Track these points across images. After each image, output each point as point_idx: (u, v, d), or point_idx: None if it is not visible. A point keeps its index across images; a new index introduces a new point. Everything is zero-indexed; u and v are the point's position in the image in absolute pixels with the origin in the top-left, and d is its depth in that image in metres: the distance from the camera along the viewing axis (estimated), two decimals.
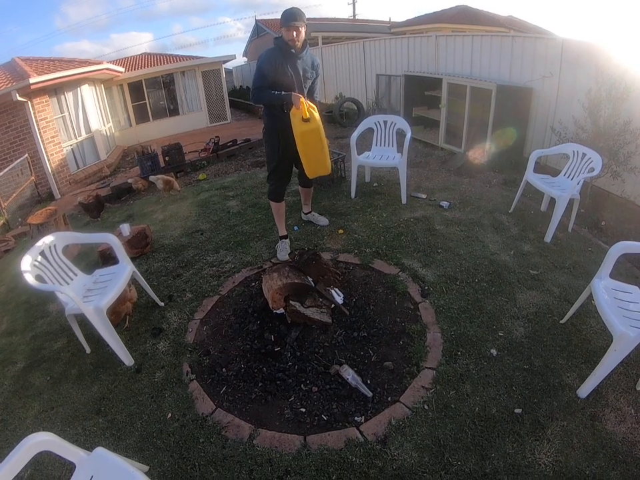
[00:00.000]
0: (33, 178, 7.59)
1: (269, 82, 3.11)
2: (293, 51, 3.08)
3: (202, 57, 13.18)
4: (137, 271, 3.00)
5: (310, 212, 4.18)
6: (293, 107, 2.98)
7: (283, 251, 3.57)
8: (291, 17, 2.98)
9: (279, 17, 3.10)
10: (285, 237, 3.68)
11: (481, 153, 5.38)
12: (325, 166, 3.22)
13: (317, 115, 3.00)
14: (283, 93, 3.04)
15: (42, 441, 1.53)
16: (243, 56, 25.35)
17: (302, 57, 3.16)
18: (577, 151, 3.73)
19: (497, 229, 3.83)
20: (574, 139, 4.32)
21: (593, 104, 4.27)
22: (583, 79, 4.57)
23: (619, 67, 4.08)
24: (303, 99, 2.96)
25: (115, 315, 2.76)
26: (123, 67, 11.93)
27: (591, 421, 2.01)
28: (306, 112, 2.91)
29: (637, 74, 3.94)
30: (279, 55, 3.11)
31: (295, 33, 3.01)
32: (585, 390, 2.12)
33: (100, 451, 1.60)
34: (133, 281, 3.07)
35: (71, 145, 8.81)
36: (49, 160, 7.87)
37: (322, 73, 11.71)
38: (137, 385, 2.48)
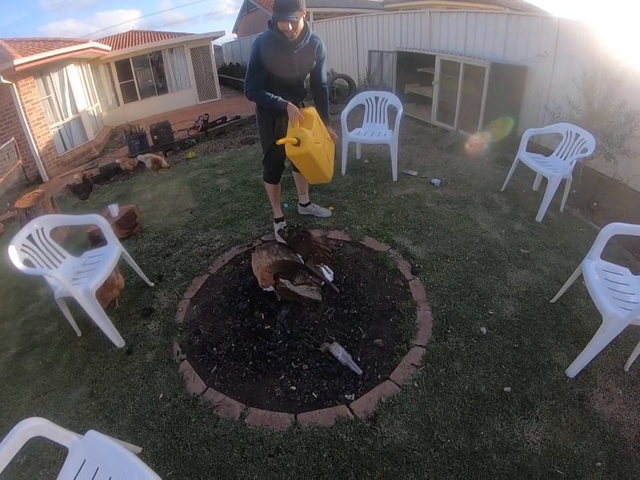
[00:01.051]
0: (20, 161, 7.46)
1: (264, 75, 2.80)
2: (289, 40, 2.71)
3: (190, 34, 12.92)
4: (126, 252, 2.97)
5: (309, 203, 3.82)
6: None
7: None
8: (287, 6, 2.55)
9: None
10: (282, 219, 3.55)
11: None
12: (324, 176, 2.92)
13: (309, 133, 2.63)
14: (279, 99, 2.76)
15: (33, 426, 1.52)
16: (233, 32, 24.79)
17: (300, 47, 2.77)
18: (571, 131, 3.70)
19: (488, 207, 3.82)
20: (568, 120, 4.27)
21: (588, 85, 4.22)
22: (578, 59, 4.51)
23: (615, 48, 4.02)
24: (298, 119, 2.68)
25: (102, 301, 2.72)
26: (110, 45, 11.65)
27: (580, 401, 2.03)
28: (293, 138, 2.59)
29: (633, 56, 3.88)
30: (273, 43, 2.73)
31: (290, 26, 2.59)
32: (573, 370, 2.14)
33: (92, 433, 1.59)
34: (122, 262, 3.04)
35: (58, 127, 8.65)
36: (35, 143, 7.72)
37: None
38: (128, 366, 2.47)
